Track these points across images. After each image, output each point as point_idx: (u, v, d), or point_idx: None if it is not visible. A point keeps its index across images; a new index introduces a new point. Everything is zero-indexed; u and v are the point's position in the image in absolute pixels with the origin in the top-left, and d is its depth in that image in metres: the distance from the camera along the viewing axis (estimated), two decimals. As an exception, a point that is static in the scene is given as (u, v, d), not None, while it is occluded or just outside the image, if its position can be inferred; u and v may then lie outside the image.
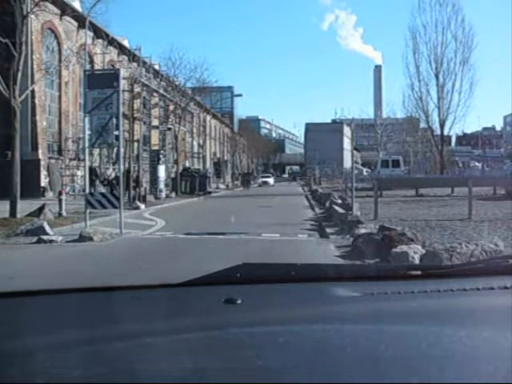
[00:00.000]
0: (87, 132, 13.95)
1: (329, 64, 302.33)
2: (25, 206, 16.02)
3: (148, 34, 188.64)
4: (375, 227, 11.76)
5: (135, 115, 37.33)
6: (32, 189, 25.36)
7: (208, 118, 66.12)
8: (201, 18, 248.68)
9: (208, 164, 63.03)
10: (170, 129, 41.80)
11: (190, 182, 36.54)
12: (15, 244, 11.63)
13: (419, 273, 1.76)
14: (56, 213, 17.46)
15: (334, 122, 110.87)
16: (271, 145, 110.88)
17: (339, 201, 19.81)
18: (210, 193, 38.24)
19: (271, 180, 64.38)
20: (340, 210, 15.65)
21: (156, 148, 37.83)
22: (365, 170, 79.60)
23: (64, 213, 18.00)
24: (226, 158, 73.28)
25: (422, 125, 53.03)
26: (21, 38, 15.76)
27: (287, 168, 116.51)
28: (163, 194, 30.65)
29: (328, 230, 13.75)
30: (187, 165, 48.57)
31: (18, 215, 15.17)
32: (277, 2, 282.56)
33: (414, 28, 45.32)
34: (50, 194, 26.88)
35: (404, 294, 1.50)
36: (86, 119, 13.44)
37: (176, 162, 38.78)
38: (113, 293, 1.60)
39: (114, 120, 13.46)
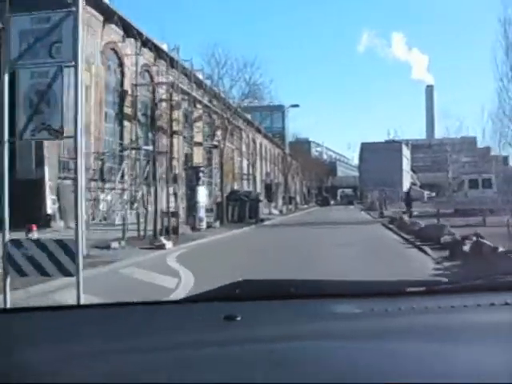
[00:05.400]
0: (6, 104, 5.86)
1: (380, 84, 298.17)
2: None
3: (187, 35, 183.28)
4: None
5: (174, 128, 31.67)
6: (35, 217, 19.50)
7: (258, 136, 60.17)
8: (247, 24, 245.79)
9: (259, 187, 56.74)
10: (216, 146, 35.68)
11: (239, 208, 30.05)
12: None
13: (420, 289, 1.72)
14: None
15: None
16: (324, 167, 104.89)
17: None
18: (262, 220, 31.66)
19: None
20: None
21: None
22: (426, 192, 73.13)
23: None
24: (277, 180, 66.84)
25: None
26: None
27: (339, 191, 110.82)
28: (204, 224, 23.58)
29: None
30: (235, 188, 42.34)
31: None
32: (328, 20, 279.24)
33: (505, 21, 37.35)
34: (59, 224, 20.85)
35: (404, 311, 1.46)
36: (6, 77, 5.73)
37: (221, 183, 32.25)
38: (113, 309, 1.62)
39: (67, 76, 5.51)
